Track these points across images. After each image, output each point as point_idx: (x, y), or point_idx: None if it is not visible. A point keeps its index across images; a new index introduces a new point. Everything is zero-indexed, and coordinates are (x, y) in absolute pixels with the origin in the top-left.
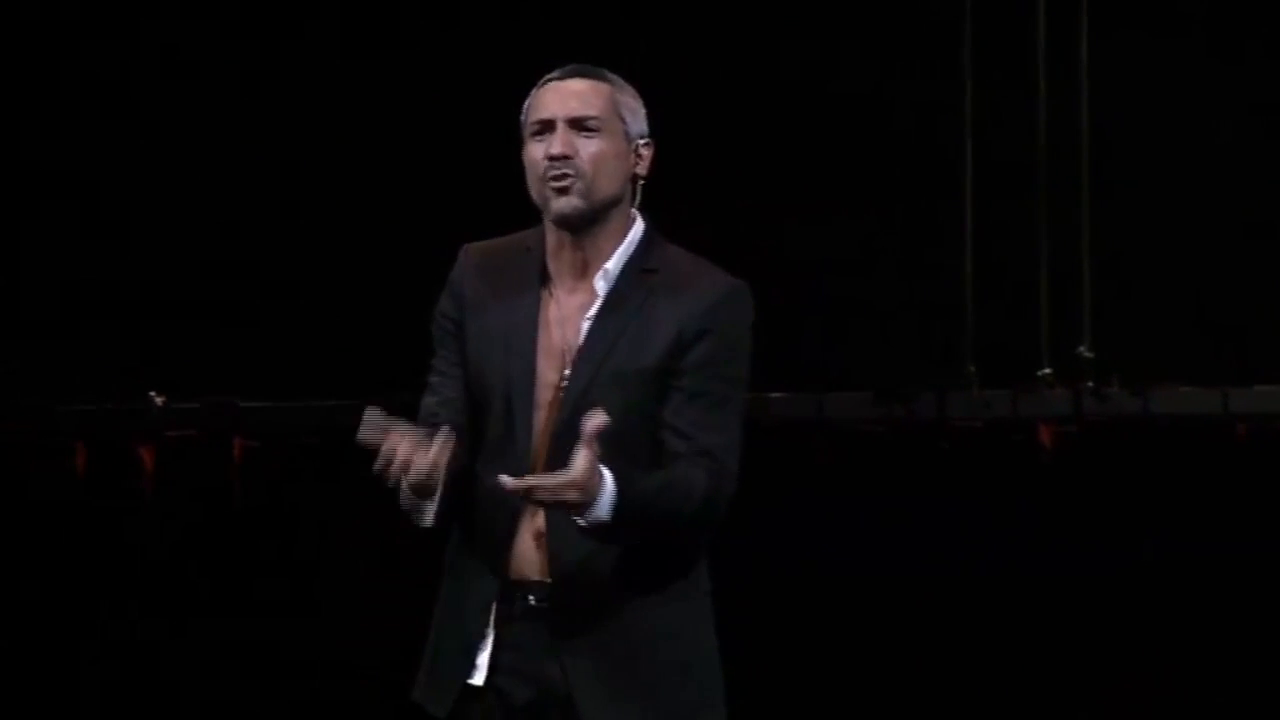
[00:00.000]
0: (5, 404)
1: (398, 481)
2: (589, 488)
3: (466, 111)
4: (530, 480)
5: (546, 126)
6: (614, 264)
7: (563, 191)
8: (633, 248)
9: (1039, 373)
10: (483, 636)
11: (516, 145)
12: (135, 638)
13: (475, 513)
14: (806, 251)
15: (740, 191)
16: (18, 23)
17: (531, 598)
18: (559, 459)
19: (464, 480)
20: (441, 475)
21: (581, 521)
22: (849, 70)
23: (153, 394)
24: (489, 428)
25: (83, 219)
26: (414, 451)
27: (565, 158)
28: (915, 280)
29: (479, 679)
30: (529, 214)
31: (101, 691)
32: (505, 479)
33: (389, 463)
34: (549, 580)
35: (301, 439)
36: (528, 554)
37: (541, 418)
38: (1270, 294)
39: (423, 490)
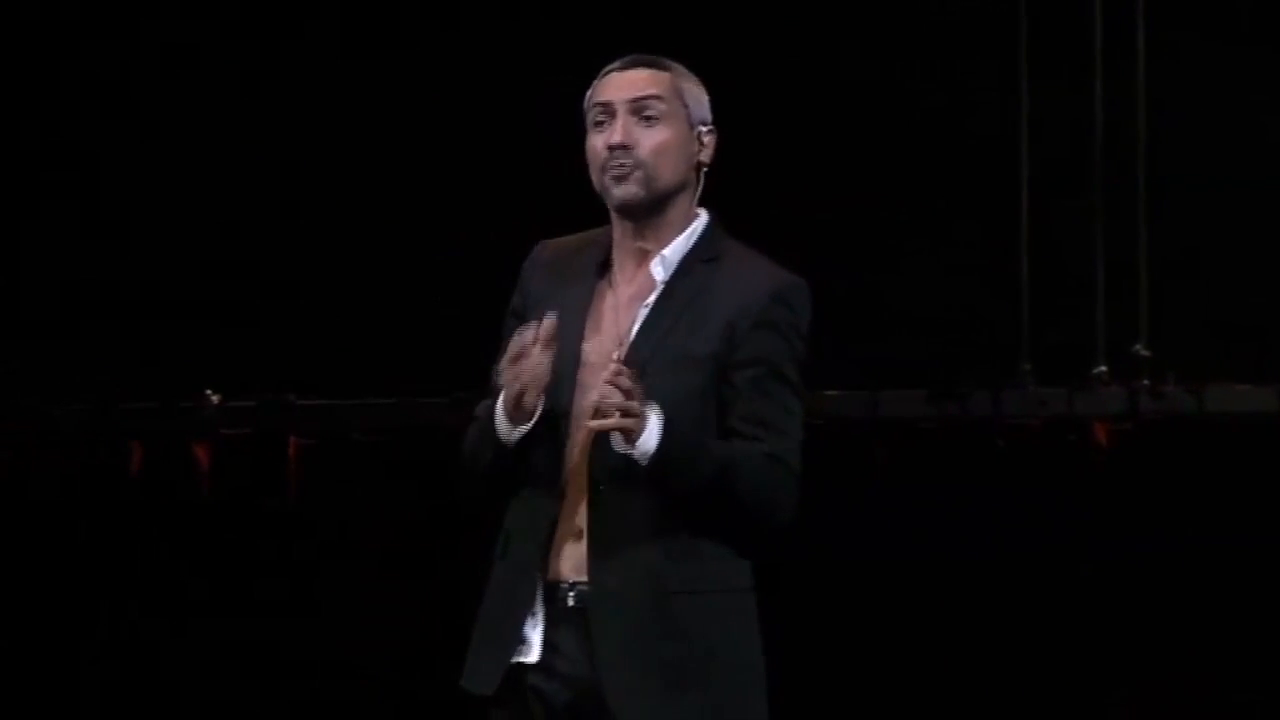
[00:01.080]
0: (59, 406)
1: (508, 396)
2: (632, 410)
3: (466, 111)
4: (621, 369)
5: (606, 111)
6: (672, 252)
7: (621, 180)
8: (694, 238)
9: (1094, 370)
10: (525, 621)
11: (517, 145)
12: (135, 638)
13: (520, 504)
14: (864, 248)
15: (800, 189)
16: (18, 23)
17: (569, 598)
18: (603, 442)
19: (520, 457)
20: (543, 387)
21: (633, 452)
22: (907, 70)
23: (209, 392)
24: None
25: (83, 219)
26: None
27: (624, 147)
28: (971, 278)
29: (526, 657)
30: (531, 213)
31: (101, 691)
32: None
33: (516, 355)
34: (585, 581)
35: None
36: (566, 553)
37: (583, 401)
38: None
39: (522, 411)
